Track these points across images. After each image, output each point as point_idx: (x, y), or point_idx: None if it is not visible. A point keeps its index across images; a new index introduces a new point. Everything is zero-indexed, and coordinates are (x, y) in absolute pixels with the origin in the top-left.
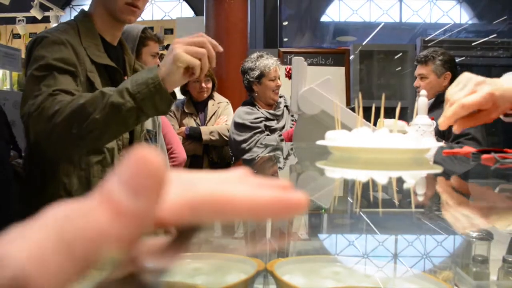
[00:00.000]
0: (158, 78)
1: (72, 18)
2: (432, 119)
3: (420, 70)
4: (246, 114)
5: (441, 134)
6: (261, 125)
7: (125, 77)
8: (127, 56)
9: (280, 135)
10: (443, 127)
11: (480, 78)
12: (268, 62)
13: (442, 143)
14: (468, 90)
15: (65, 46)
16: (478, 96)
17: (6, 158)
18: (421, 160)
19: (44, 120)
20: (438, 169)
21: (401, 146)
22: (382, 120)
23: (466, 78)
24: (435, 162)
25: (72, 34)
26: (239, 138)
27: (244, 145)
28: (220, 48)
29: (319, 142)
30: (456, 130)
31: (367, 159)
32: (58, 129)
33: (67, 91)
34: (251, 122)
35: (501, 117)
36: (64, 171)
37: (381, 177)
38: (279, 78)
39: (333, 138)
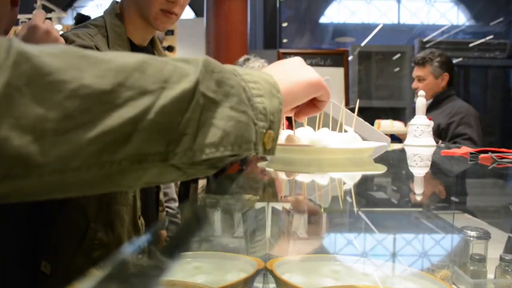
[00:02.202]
0: None
1: (101, 14)
2: (430, 119)
3: (417, 72)
4: None
5: (438, 134)
6: None
7: None
8: (158, 54)
9: None
10: None
11: None
12: (253, 65)
13: (439, 143)
14: None
15: None
16: None
17: None
18: (363, 160)
19: None
20: (381, 169)
21: (340, 146)
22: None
23: None
24: (436, 162)
25: (101, 40)
26: None
27: None
28: None
29: None
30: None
31: (304, 159)
32: None
33: None
34: None
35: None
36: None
37: (317, 178)
38: None
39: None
